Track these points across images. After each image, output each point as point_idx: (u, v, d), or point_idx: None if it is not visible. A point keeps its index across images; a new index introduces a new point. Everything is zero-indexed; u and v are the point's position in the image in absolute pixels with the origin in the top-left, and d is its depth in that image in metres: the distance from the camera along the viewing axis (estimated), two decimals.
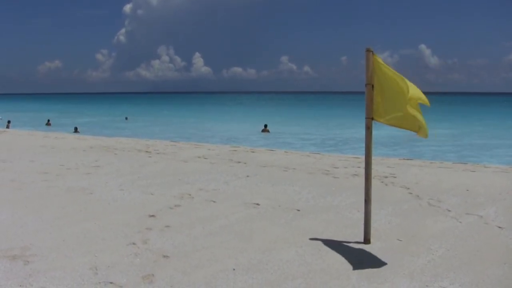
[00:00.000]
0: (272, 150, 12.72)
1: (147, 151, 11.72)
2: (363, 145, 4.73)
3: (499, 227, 5.24)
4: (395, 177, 8.19)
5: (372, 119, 4.60)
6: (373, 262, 4.21)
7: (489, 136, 26.97)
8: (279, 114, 51.73)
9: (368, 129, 4.62)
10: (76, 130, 27.33)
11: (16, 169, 8.85)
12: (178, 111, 61.66)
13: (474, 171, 8.95)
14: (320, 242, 4.71)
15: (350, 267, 4.08)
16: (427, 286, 3.71)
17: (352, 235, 4.94)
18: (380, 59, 4.54)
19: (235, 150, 12.12)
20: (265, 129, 29.32)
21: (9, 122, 30.83)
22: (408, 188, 7.22)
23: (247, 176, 8.26)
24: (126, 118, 44.85)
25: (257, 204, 6.25)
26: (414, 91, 4.19)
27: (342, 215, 5.75)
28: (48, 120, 37.52)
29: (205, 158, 10.47)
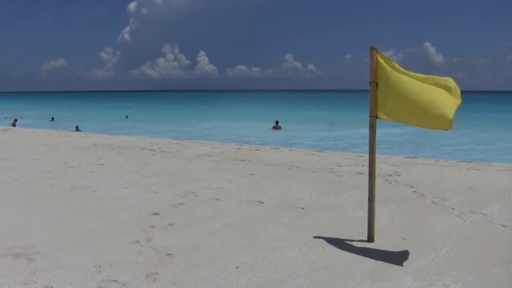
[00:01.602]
0: (277, 149, 12.71)
1: (151, 149, 11.74)
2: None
3: (503, 226, 5.22)
4: (399, 175, 8.17)
5: (376, 117, 4.59)
6: (377, 260, 4.20)
7: (493, 134, 26.86)
8: (287, 111, 51.72)
9: (372, 127, 4.61)
10: (77, 128, 27.32)
11: (20, 168, 8.88)
12: (183, 110, 61.47)
13: (478, 170, 8.91)
14: (323, 240, 4.71)
15: (353, 265, 4.08)
16: (430, 284, 3.70)
17: (356, 233, 4.93)
18: (385, 57, 4.53)
19: (239, 148, 12.12)
20: (276, 126, 29.76)
21: (15, 120, 30.77)
22: (412, 187, 7.20)
23: (251, 174, 8.25)
24: (126, 117, 44.64)
25: (261, 202, 6.25)
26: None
27: (346, 214, 5.74)
28: (52, 118, 38.72)
29: (209, 156, 10.47)
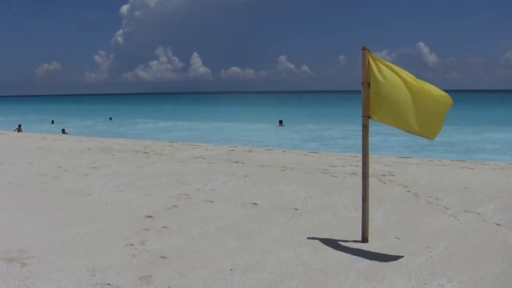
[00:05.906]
0: (270, 150, 12.70)
1: (144, 152, 11.70)
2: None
3: (497, 224, 5.24)
4: (393, 175, 8.19)
5: (369, 117, 4.60)
6: (371, 260, 4.20)
7: (487, 133, 26.97)
8: (286, 112, 51.91)
9: (365, 127, 4.62)
10: (63, 131, 27.15)
11: (13, 171, 8.82)
12: (179, 112, 61.08)
13: (472, 169, 8.95)
14: (318, 242, 4.70)
15: (348, 266, 4.08)
16: (425, 284, 3.70)
17: (350, 234, 4.93)
18: (377, 58, 4.53)
19: (233, 150, 12.11)
20: (280, 125, 32.79)
21: (19, 126, 29.53)
22: (406, 186, 7.22)
23: (245, 176, 8.24)
24: (110, 118, 44.09)
25: (255, 204, 6.24)
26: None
27: (340, 214, 5.74)
28: (53, 121, 39.28)
29: (203, 159, 10.45)
